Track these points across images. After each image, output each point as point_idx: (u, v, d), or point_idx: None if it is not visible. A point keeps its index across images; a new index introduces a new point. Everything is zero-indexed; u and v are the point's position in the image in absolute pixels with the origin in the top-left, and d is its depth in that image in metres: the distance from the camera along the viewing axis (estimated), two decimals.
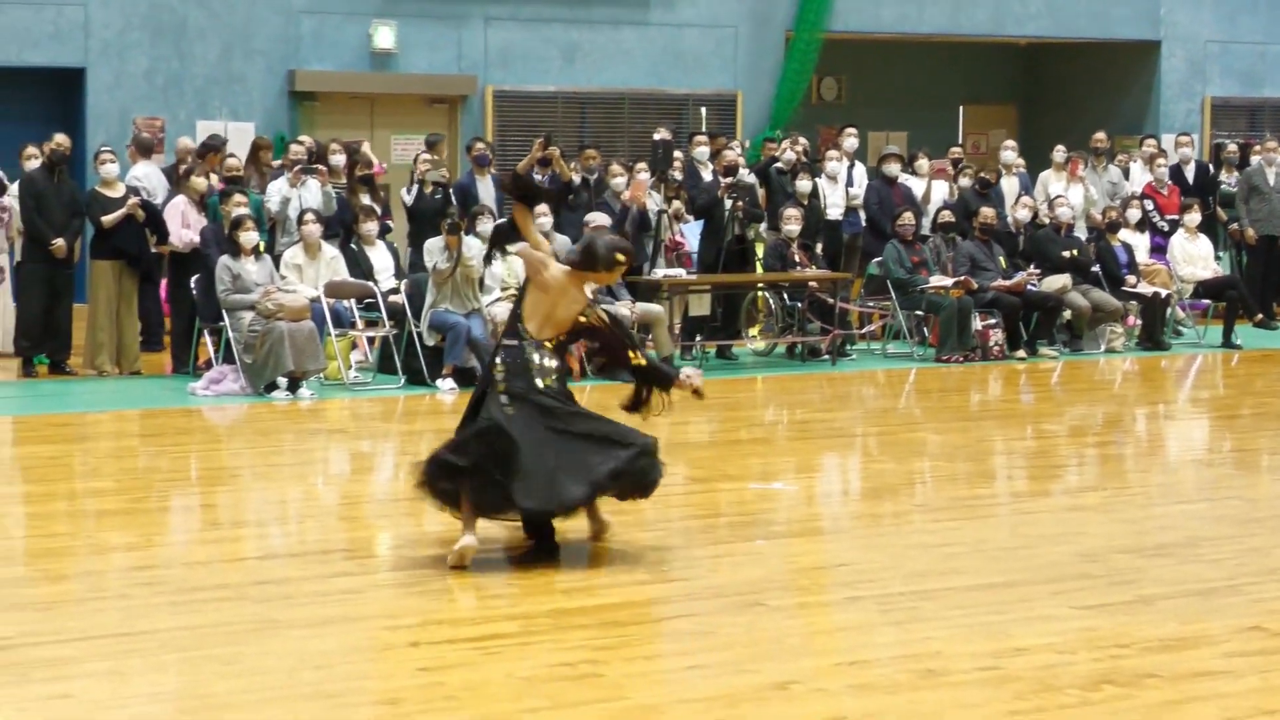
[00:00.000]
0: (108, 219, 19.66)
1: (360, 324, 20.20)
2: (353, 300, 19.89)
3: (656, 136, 23.60)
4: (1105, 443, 17.31)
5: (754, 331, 22.29)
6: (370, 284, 19.78)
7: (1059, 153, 25.46)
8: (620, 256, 11.52)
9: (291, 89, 26.48)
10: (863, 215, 23.98)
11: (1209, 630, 10.24)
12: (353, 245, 20.60)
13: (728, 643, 9.94)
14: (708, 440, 16.82)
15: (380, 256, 20.59)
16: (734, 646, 9.84)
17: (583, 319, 11.41)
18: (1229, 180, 26.38)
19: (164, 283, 21.24)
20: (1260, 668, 9.57)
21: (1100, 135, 26.71)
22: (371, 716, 8.66)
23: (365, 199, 21.45)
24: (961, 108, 32.35)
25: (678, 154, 23.57)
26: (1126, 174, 26.18)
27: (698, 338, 21.46)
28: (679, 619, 10.71)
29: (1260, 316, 24.22)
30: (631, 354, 11.67)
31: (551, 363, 11.36)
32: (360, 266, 20.08)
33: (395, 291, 19.79)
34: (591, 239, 12.02)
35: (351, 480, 15.60)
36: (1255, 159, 26.18)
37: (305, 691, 8.87)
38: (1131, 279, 22.90)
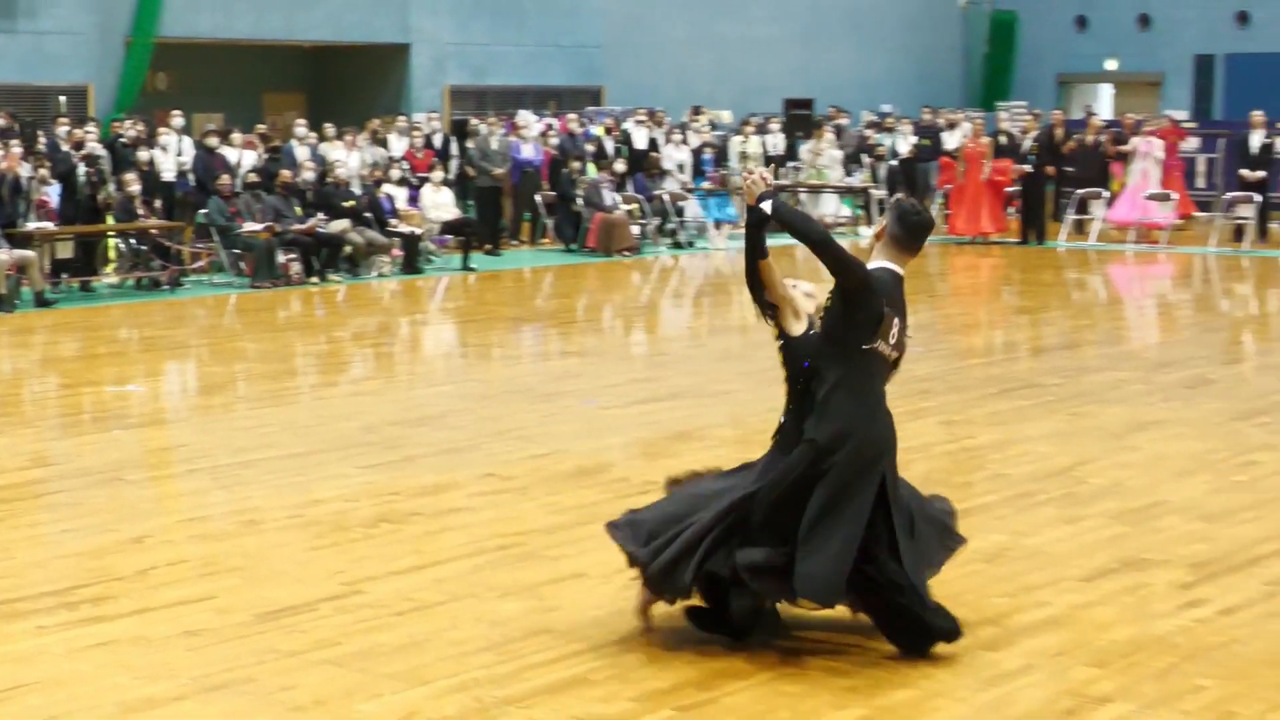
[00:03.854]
0: None
1: None
2: None
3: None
4: (379, 344, 17.54)
5: (109, 269, 21.78)
6: None
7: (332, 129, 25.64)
8: None
9: None
10: (190, 177, 23.75)
11: (457, 479, 10.57)
12: None
13: (94, 510, 9.87)
14: (73, 354, 16.45)
15: None
16: (99, 513, 9.78)
17: None
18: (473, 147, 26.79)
19: None
20: (495, 504, 9.94)
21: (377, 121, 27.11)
22: None
23: None
24: (264, 95, 32.03)
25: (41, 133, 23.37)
26: (385, 144, 26.36)
27: (63, 275, 20.87)
28: (55, 494, 10.52)
29: (489, 247, 24.79)
30: None
31: None
32: None
33: None
34: None
35: None
36: (483, 128, 26.66)
37: None
38: (394, 221, 23.15)
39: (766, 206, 7.03)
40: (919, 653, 7.02)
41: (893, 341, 7.04)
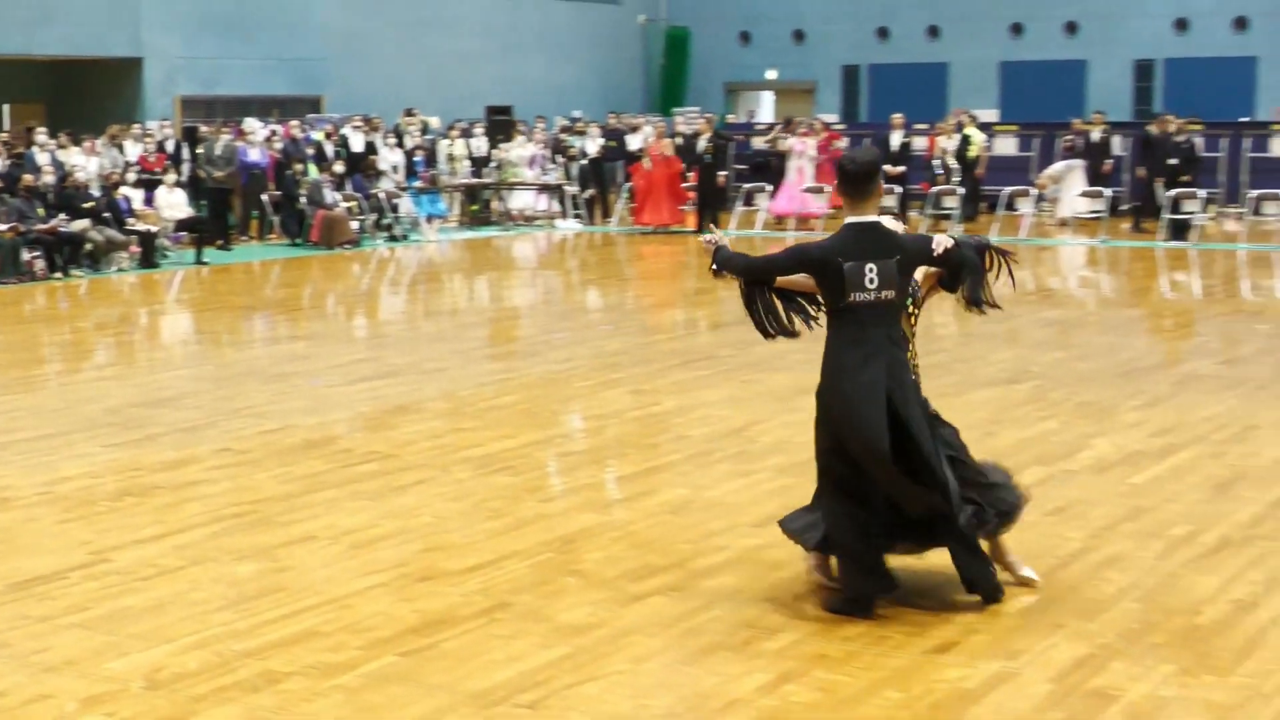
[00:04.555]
0: None
1: None
2: None
3: None
4: (120, 334, 17.04)
5: None
6: None
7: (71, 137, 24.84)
8: None
9: None
10: None
11: (195, 454, 10.34)
12: None
13: None
14: None
15: None
16: None
17: None
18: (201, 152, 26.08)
19: None
20: (231, 476, 9.74)
21: (115, 126, 26.26)
22: None
23: None
24: (6, 105, 30.84)
25: None
26: (122, 149, 25.60)
27: None
28: None
29: (221, 242, 24.28)
30: None
31: None
32: None
33: None
34: None
35: None
36: (210, 134, 26.02)
37: None
38: (132, 220, 22.51)
39: (715, 267, 7.08)
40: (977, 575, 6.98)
41: (872, 286, 6.72)
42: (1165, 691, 6.02)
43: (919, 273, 7.12)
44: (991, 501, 7.12)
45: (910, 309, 7.13)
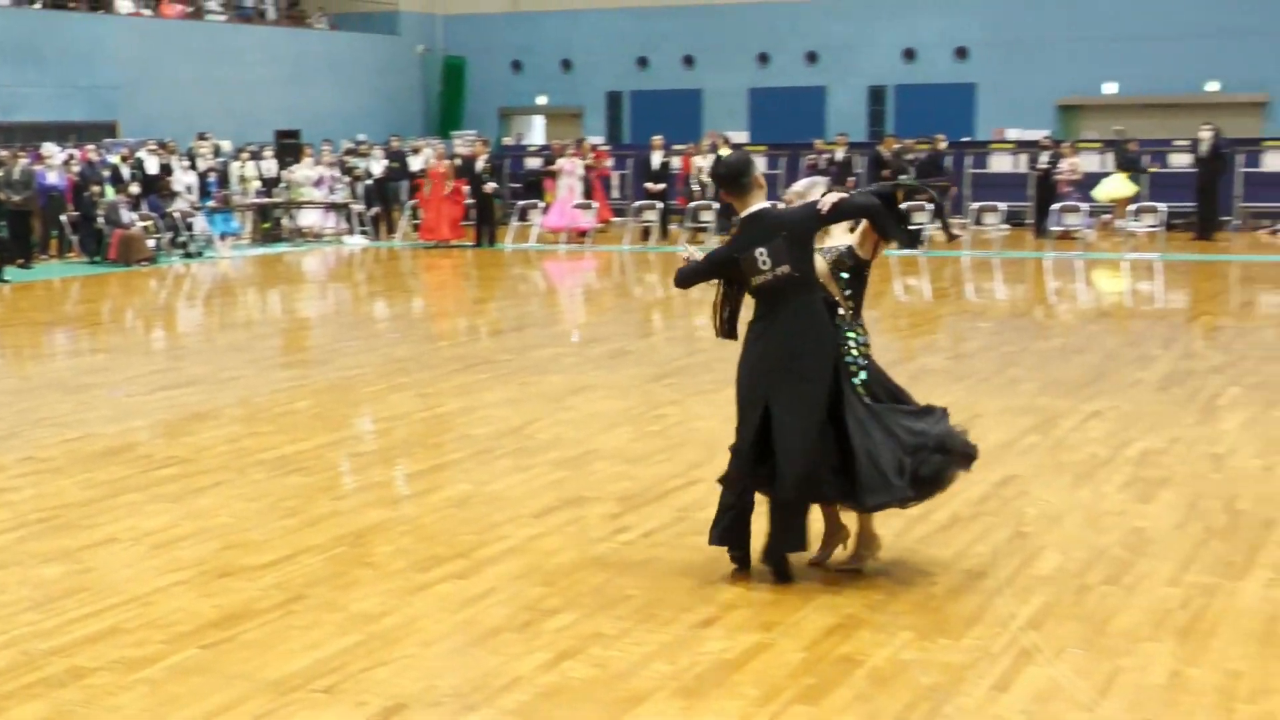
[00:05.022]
0: None
1: None
2: None
3: None
4: None
5: None
6: None
7: None
8: None
9: None
10: None
11: (1, 463, 9.98)
12: None
13: None
14: None
15: None
16: None
17: None
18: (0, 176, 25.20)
19: None
20: (35, 483, 9.43)
21: None
22: None
23: None
24: None
25: None
26: None
27: None
28: None
29: (22, 261, 23.49)
30: None
31: None
32: None
33: None
34: None
35: None
36: (7, 160, 25.18)
37: None
38: None
39: (681, 284, 7.30)
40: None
41: (766, 267, 6.82)
42: (906, 655, 6.16)
43: (855, 235, 7.10)
44: (916, 465, 6.96)
45: (843, 274, 7.09)
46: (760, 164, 31.65)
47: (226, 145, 31.26)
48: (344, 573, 7.38)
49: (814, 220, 6.88)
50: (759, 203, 7.00)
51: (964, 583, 7.09)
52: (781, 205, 7.13)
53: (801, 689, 5.82)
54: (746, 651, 6.22)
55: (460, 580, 7.24)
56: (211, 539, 8.03)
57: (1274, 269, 21.91)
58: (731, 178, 6.99)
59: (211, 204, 27.75)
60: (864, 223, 7.06)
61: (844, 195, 6.91)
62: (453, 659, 6.22)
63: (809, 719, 5.55)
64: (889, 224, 6.91)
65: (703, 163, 27.93)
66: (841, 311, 7.08)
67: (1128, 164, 27.04)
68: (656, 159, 28.37)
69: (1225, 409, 11.24)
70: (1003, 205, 26.34)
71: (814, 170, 28.67)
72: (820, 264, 7.03)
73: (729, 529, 7.15)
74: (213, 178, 28.66)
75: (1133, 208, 25.42)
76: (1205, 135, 26.44)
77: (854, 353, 7.05)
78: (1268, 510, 8.35)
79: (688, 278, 7.25)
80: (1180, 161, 27.93)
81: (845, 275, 7.12)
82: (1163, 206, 24.84)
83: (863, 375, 7.05)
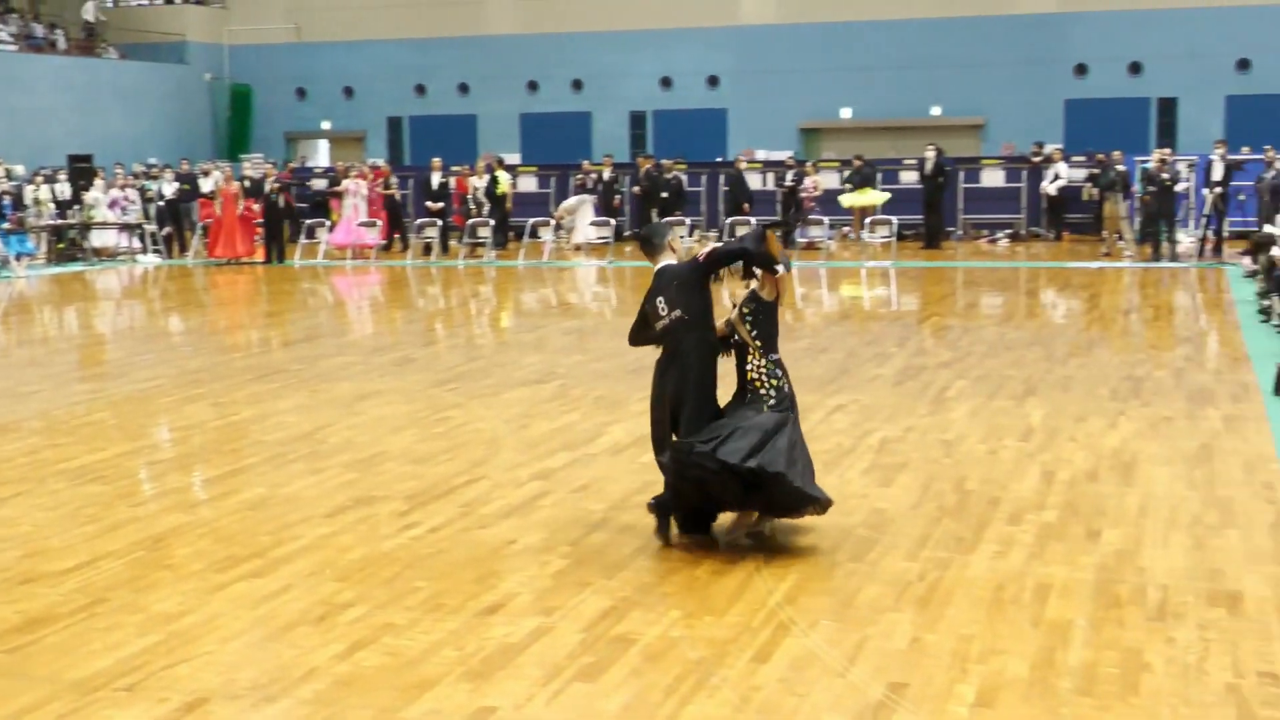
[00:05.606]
0: None
1: None
2: None
3: None
4: None
5: None
6: None
7: None
8: None
9: None
10: None
11: None
12: None
13: None
14: None
15: None
16: None
17: None
18: None
19: None
20: None
21: None
22: None
23: None
24: None
25: None
26: None
27: None
28: None
29: None
30: None
31: None
32: None
33: None
34: None
35: None
36: None
37: None
38: None
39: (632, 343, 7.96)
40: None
41: (664, 312, 7.50)
42: (675, 632, 6.22)
43: (756, 281, 7.43)
44: (769, 495, 7.24)
45: (747, 316, 7.39)
46: (532, 183, 31.81)
47: (20, 169, 30.10)
48: (144, 575, 7.16)
49: (696, 270, 7.47)
50: (663, 261, 7.67)
51: (725, 564, 7.18)
52: (674, 262, 7.67)
53: (580, 668, 5.83)
54: (529, 635, 6.21)
55: (257, 579, 7.08)
56: (13, 547, 7.71)
57: (993, 274, 22.69)
58: (646, 241, 7.76)
59: (6, 226, 26.68)
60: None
61: (716, 245, 7.66)
62: (251, 653, 6.08)
63: (587, 695, 5.56)
64: (759, 259, 7.36)
65: (479, 183, 27.83)
66: (750, 351, 7.42)
67: (865, 180, 27.76)
68: (436, 179, 28.17)
69: (953, 400, 11.60)
70: (754, 220, 26.77)
71: (582, 189, 28.82)
72: (732, 312, 7.51)
73: (688, 518, 7.60)
74: (7, 200, 27.59)
75: (869, 219, 26.10)
76: (930, 155, 27.25)
77: (766, 386, 7.37)
78: (992, 490, 8.64)
79: (633, 337, 7.90)
80: (909, 179, 28.78)
81: (749, 318, 7.41)
82: (894, 219, 25.56)
83: (770, 402, 7.34)
